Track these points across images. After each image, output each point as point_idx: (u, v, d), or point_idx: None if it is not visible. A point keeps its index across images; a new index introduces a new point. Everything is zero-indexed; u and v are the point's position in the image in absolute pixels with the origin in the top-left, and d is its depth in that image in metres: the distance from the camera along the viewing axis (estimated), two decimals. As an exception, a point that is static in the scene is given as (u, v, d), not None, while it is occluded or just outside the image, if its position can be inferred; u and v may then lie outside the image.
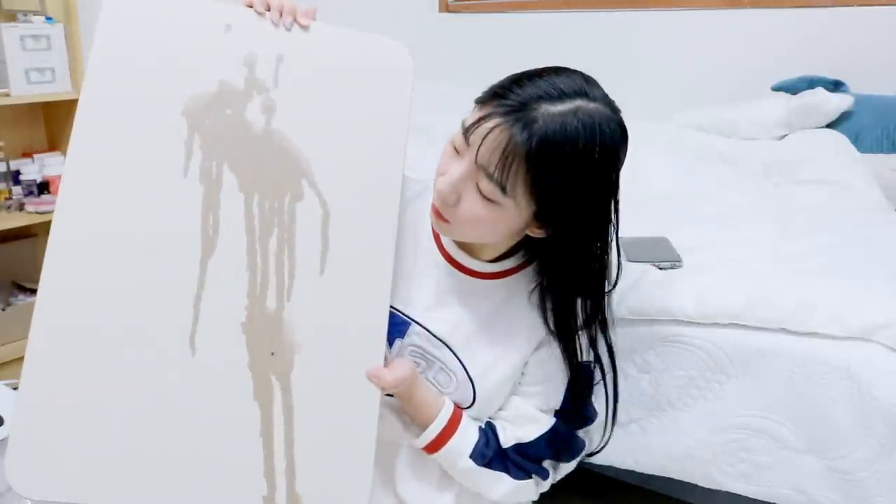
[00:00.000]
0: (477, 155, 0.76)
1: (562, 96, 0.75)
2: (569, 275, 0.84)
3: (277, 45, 0.83)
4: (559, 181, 0.75)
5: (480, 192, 0.78)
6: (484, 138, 0.75)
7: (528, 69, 0.80)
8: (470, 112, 0.80)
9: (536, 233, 0.83)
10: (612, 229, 0.83)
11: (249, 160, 0.80)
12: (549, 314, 0.87)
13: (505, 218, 0.79)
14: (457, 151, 0.80)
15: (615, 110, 0.78)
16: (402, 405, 0.89)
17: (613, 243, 0.84)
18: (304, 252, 0.80)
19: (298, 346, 0.79)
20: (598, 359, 0.90)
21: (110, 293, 0.75)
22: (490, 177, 0.76)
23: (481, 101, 0.79)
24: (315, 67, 0.84)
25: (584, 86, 0.77)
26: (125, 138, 0.78)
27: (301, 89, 0.83)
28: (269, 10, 0.83)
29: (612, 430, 0.94)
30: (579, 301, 0.86)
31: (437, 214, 0.83)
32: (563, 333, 0.87)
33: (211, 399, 0.76)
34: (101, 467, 0.74)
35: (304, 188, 0.81)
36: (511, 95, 0.76)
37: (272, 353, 0.78)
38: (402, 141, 0.86)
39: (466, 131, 0.78)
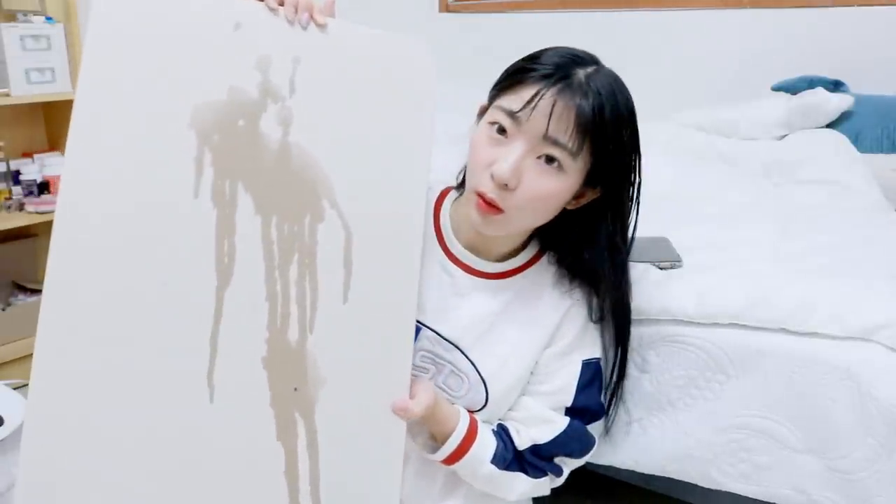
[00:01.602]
0: (547, 128, 0.77)
1: (584, 61, 0.80)
2: (610, 235, 0.88)
3: (293, 47, 0.74)
4: (613, 135, 0.80)
5: (547, 162, 0.79)
6: (551, 111, 0.77)
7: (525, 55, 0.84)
8: (499, 100, 0.81)
9: (573, 203, 0.85)
10: (636, 188, 0.88)
11: (266, 178, 0.72)
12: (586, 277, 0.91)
13: (565, 187, 0.81)
14: (502, 136, 0.80)
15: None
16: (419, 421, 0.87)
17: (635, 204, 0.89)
18: (327, 279, 0.75)
19: (322, 381, 0.74)
20: (620, 351, 0.94)
21: (120, 330, 0.68)
22: (562, 146, 0.78)
23: (507, 86, 0.81)
24: (334, 72, 0.76)
25: (588, 53, 0.83)
26: (127, 155, 0.69)
27: (319, 97, 0.75)
28: (282, 5, 0.75)
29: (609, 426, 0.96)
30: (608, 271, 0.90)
31: (490, 206, 0.80)
32: (612, 288, 0.91)
33: (232, 441, 0.71)
34: None
35: (324, 209, 0.75)
36: (542, 67, 0.79)
37: (295, 389, 0.73)
38: (426, 151, 0.81)
39: (518, 112, 0.78)
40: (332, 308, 0.75)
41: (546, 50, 0.82)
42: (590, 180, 0.83)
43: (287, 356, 0.73)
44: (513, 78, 0.81)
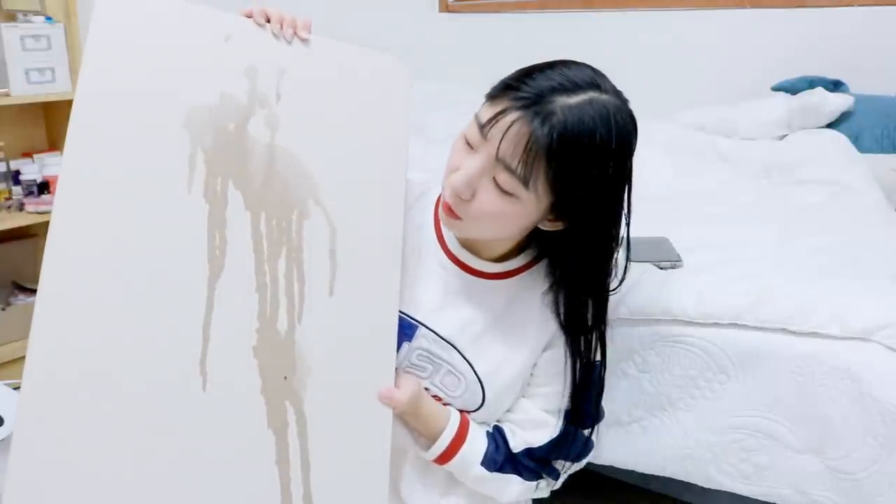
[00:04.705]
0: (498, 149, 0.76)
1: (575, 88, 0.76)
2: (583, 268, 0.84)
3: (278, 58, 0.80)
4: (579, 172, 0.76)
5: (498, 185, 0.77)
6: (505, 132, 0.75)
7: (536, 63, 0.81)
8: (482, 107, 0.80)
9: (549, 226, 0.83)
10: (624, 218, 0.83)
11: (254, 177, 0.77)
12: (562, 311, 0.88)
13: (521, 212, 0.79)
14: (470, 146, 0.80)
15: (624, 101, 0.80)
16: (407, 419, 0.88)
17: (624, 235, 0.84)
18: (313, 273, 0.79)
19: (310, 370, 0.77)
20: (602, 358, 0.90)
21: (116, 317, 0.70)
22: (512, 171, 0.76)
23: (493, 96, 0.79)
24: (316, 82, 0.82)
25: (595, 77, 0.79)
26: (125, 150, 0.73)
27: (303, 105, 0.81)
28: (268, 21, 0.81)
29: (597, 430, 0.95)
30: (590, 298, 0.87)
31: (450, 211, 0.82)
32: (577, 331, 0.88)
33: (224, 428, 0.73)
34: (109, 500, 0.69)
35: (310, 206, 0.79)
36: (525, 88, 0.76)
37: (285, 378, 0.76)
38: (403, 154, 0.85)
39: (483, 126, 0.77)
40: (319, 300, 0.79)
41: (547, 68, 0.78)
42: (557, 210, 0.80)
43: (276, 346, 0.76)
44: (499, 90, 0.79)
